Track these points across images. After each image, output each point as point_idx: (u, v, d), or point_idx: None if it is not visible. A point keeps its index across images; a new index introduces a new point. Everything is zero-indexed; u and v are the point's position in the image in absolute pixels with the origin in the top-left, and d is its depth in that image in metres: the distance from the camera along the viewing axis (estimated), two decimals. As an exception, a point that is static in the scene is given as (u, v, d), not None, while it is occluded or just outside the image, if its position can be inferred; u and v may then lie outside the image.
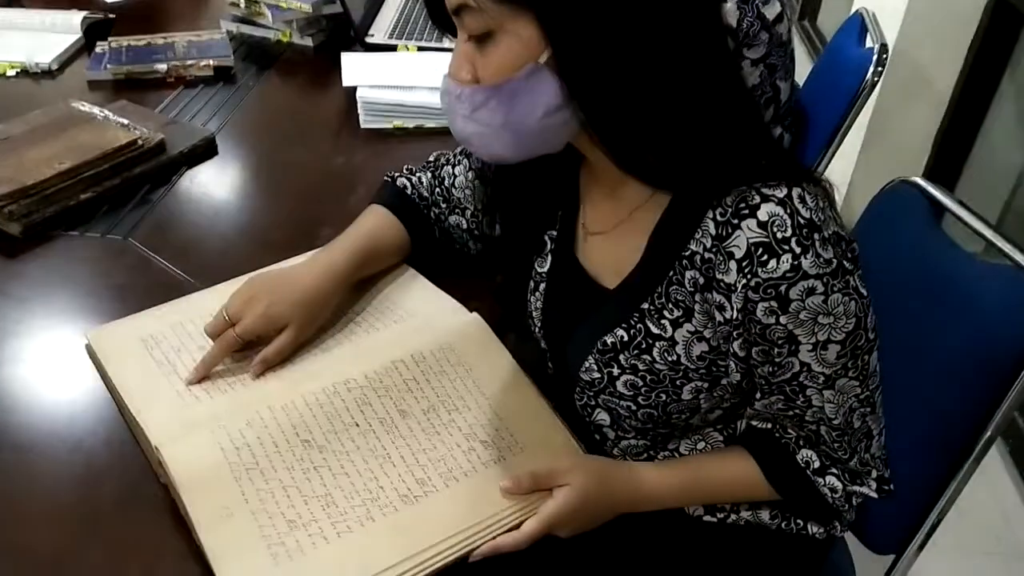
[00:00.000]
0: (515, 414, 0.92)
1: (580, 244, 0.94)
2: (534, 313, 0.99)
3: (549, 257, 0.97)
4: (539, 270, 0.98)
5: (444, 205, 1.10)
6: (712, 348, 0.82)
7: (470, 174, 1.08)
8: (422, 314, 1.02)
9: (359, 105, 1.47)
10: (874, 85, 1.52)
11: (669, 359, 0.84)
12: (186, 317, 0.99)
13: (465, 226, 1.10)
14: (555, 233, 0.97)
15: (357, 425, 0.87)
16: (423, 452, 0.86)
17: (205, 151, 1.38)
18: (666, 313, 0.83)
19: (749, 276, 0.74)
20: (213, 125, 1.47)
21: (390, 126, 1.47)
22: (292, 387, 0.90)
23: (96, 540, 0.80)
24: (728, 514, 0.95)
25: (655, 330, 0.84)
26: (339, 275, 1.01)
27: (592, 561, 0.94)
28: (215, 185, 1.34)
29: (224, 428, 0.84)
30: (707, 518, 0.96)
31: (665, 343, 0.84)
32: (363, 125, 1.47)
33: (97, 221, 1.22)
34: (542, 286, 0.97)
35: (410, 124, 1.47)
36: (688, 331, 0.83)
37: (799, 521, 0.95)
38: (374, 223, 1.07)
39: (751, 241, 0.74)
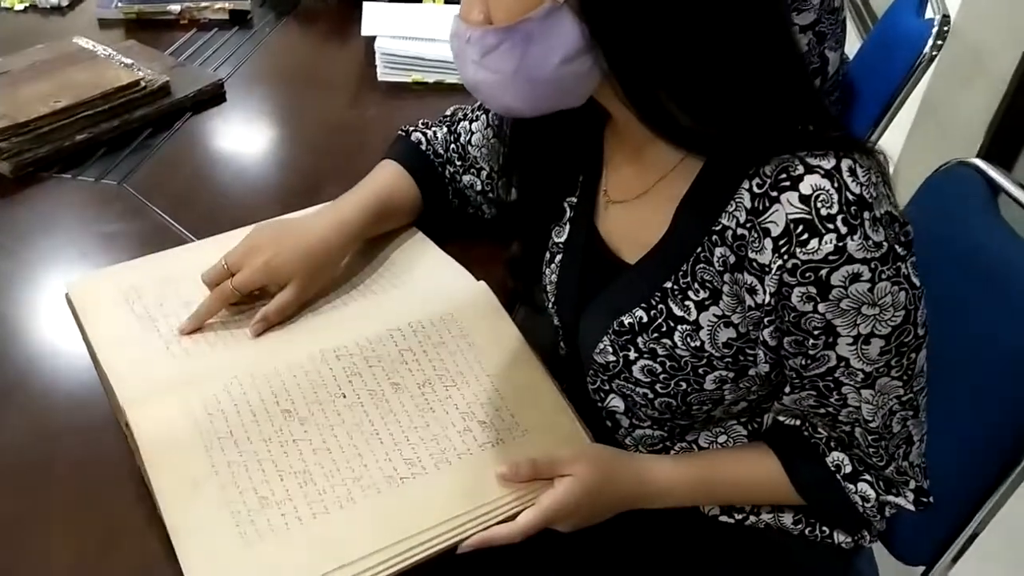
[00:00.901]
0: (519, 394, 0.84)
1: (601, 213, 0.86)
2: (548, 287, 0.91)
3: (567, 226, 0.89)
4: (556, 240, 0.90)
5: (459, 163, 1.02)
6: (740, 335, 0.74)
7: (488, 131, 0.99)
8: (425, 280, 0.94)
9: (377, 56, 1.39)
10: (932, 59, 1.41)
11: (692, 345, 0.76)
12: (173, 270, 0.92)
13: (479, 187, 1.02)
14: (575, 200, 0.89)
15: (344, 396, 0.80)
16: (414, 430, 0.79)
17: (212, 97, 1.31)
18: (691, 294, 0.75)
19: (786, 257, 0.66)
20: (224, 71, 1.40)
21: (408, 80, 1.39)
22: (276, 352, 0.83)
23: (53, 505, 0.75)
24: (747, 516, 0.87)
25: (678, 312, 0.76)
26: (350, 231, 0.93)
27: (593, 559, 0.87)
28: (220, 134, 1.27)
29: (199, 392, 0.78)
30: (723, 519, 0.88)
31: (688, 327, 0.76)
32: (380, 78, 1.39)
33: (92, 164, 1.16)
34: (558, 257, 0.89)
35: (429, 79, 1.39)
36: (714, 315, 0.74)
37: (824, 528, 0.87)
38: (387, 179, 0.99)
39: (791, 217, 0.65)
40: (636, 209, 0.81)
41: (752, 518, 0.87)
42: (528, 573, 0.89)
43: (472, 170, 1.02)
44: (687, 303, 0.75)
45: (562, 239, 0.89)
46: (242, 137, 1.28)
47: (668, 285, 0.76)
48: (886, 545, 1.02)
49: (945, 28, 1.39)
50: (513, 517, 0.75)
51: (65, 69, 1.22)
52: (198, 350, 0.83)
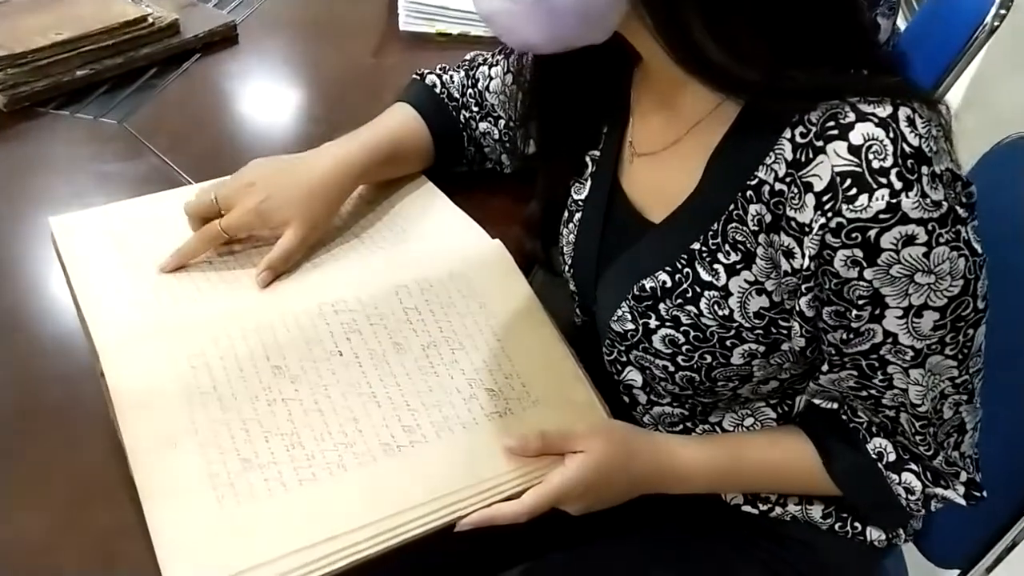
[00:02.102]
0: (531, 362, 0.77)
1: (625, 167, 0.79)
2: (565, 248, 0.84)
3: (588, 182, 0.82)
4: (575, 197, 0.83)
5: (476, 109, 0.95)
6: (773, 304, 0.67)
7: (507, 77, 0.92)
8: (435, 235, 0.88)
9: (400, 4, 1.31)
10: (994, 30, 1.31)
11: (719, 313, 0.69)
12: (167, 214, 0.85)
13: (497, 136, 0.95)
14: (598, 154, 0.81)
15: (340, 355, 0.74)
16: (416, 395, 0.73)
17: (224, 39, 1.25)
18: (721, 256, 0.68)
19: (830, 215, 0.58)
20: (240, 13, 1.33)
21: (432, 31, 1.31)
22: (270, 304, 0.77)
23: (24, 457, 0.69)
24: (772, 506, 0.81)
25: (705, 276, 0.69)
26: (352, 170, 0.86)
27: (600, 545, 0.80)
28: (229, 77, 1.20)
29: (183, 342, 0.71)
30: (746, 508, 0.81)
31: (716, 293, 0.69)
32: (403, 27, 1.32)
33: (92, 102, 1.10)
34: (577, 215, 0.82)
35: (454, 30, 1.31)
36: (746, 280, 0.67)
37: (856, 524, 0.80)
38: (396, 120, 0.92)
39: (837, 170, 0.58)
40: (663, 162, 0.74)
41: (778, 509, 0.81)
42: (529, 556, 0.83)
43: (489, 118, 0.95)
44: (716, 267, 0.68)
45: (582, 196, 0.82)
46: (252, 82, 1.22)
47: (696, 246, 0.69)
48: (917, 545, 0.94)
49: (1009, -5, 1.30)
50: (519, 495, 0.68)
51: (69, 1, 1.16)
52: (186, 297, 0.77)
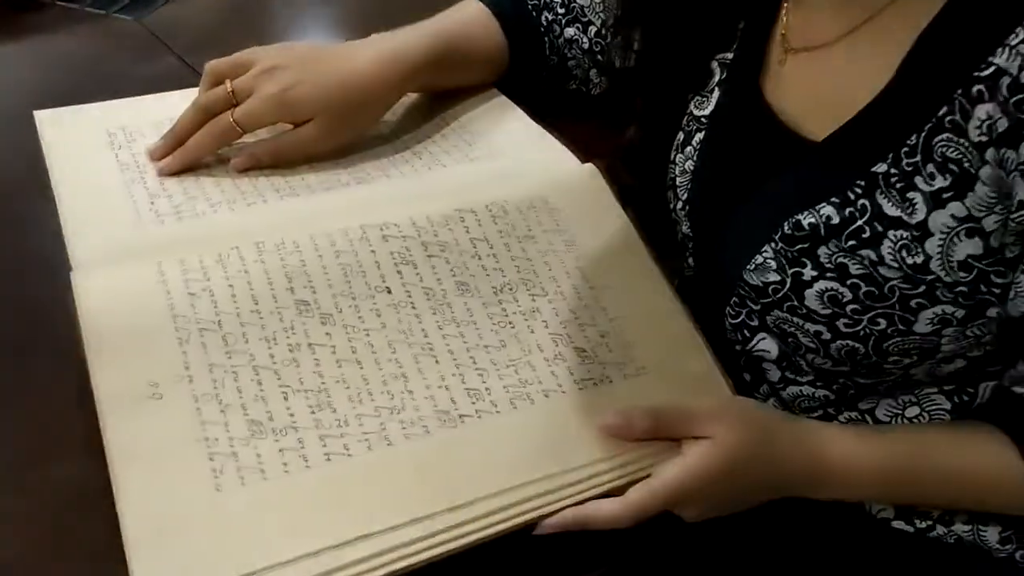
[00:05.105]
0: (634, 317, 0.60)
1: (771, 71, 0.62)
2: (678, 179, 0.67)
3: (715, 92, 0.65)
4: (697, 113, 0.66)
5: (561, 10, 0.79)
6: (988, 251, 0.50)
7: (603, -29, 0.75)
8: (510, 153, 0.72)
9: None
10: None
11: (908, 261, 0.51)
12: (175, 114, 0.70)
13: (586, 46, 0.79)
14: (730, 56, 0.64)
15: (388, 292, 0.57)
16: (484, 350, 0.56)
17: (264, -63, 1.10)
18: (919, 182, 0.50)
19: None
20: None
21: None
22: (298, 221, 0.61)
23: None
24: (933, 523, 0.62)
25: (891, 210, 0.51)
26: (403, 69, 0.71)
27: (701, 556, 0.62)
28: (267, -22, 1.06)
29: (181, 261, 0.55)
30: (897, 524, 0.63)
31: (906, 233, 0.51)
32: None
33: (108, -4, 0.98)
34: (698, 136, 0.65)
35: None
36: (954, 216, 0.50)
37: (1047, 552, 0.61)
38: (464, 17, 0.77)
39: None
40: (833, 59, 0.57)
41: (940, 528, 0.62)
42: (603, 561, 0.65)
43: (577, 23, 0.78)
44: (911, 196, 0.51)
45: (706, 111, 0.65)
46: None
47: (881, 169, 0.52)
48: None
49: None
50: (620, 490, 0.51)
51: None
52: (190, 208, 0.62)
